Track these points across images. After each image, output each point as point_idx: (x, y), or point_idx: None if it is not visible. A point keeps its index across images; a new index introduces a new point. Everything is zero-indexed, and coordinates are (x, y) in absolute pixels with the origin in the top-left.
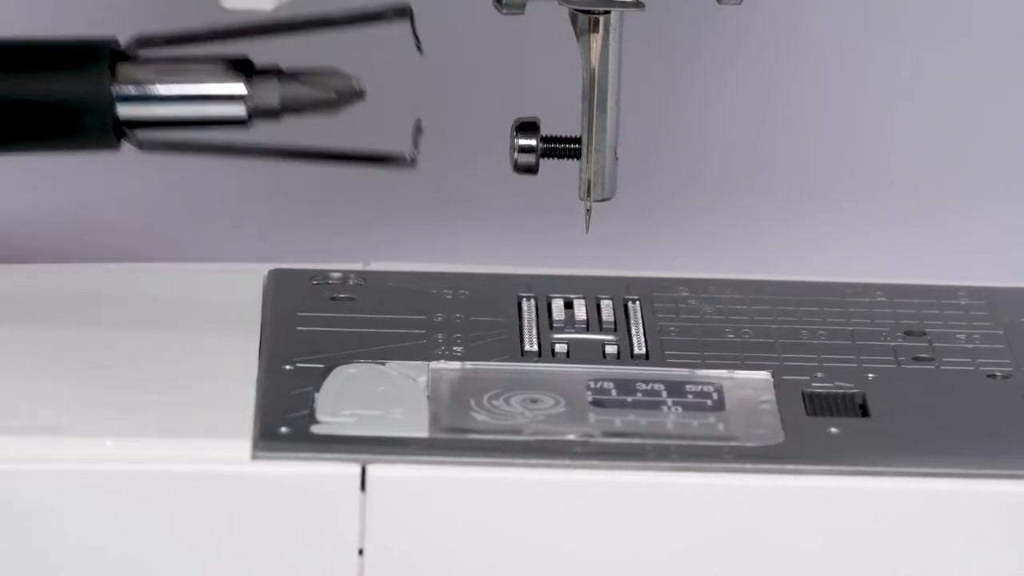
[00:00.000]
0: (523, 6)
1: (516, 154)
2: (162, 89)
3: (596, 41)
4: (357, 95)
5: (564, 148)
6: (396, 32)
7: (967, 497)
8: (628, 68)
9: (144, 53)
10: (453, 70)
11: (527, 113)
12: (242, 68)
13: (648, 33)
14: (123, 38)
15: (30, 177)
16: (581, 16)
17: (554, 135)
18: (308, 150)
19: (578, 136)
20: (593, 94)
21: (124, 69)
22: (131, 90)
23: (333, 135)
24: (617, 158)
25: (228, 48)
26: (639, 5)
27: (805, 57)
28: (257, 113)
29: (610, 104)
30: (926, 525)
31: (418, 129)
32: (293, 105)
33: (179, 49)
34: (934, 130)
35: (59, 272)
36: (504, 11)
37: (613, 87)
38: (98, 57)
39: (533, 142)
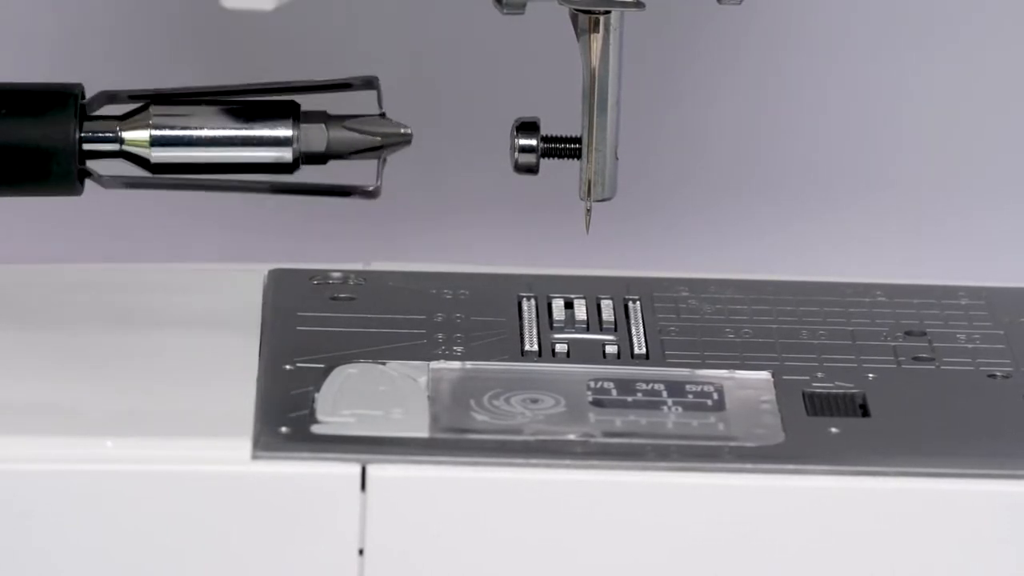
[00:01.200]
0: (523, 6)
1: (516, 154)
2: (209, 132)
3: (596, 41)
4: (404, 140)
5: (564, 148)
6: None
7: (967, 497)
8: (628, 68)
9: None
10: (453, 70)
11: (527, 113)
12: (289, 112)
13: (648, 33)
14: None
15: None
16: (581, 16)
17: (554, 135)
18: (272, 184)
19: (578, 136)
20: (593, 94)
21: (160, 112)
22: (171, 134)
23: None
24: (617, 158)
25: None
26: (639, 5)
27: (805, 57)
28: (304, 158)
29: (610, 104)
30: (926, 525)
31: (383, 161)
32: (339, 150)
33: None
34: (934, 130)
35: (59, 272)
36: (504, 11)
37: (613, 87)
38: (64, 104)
39: (533, 142)
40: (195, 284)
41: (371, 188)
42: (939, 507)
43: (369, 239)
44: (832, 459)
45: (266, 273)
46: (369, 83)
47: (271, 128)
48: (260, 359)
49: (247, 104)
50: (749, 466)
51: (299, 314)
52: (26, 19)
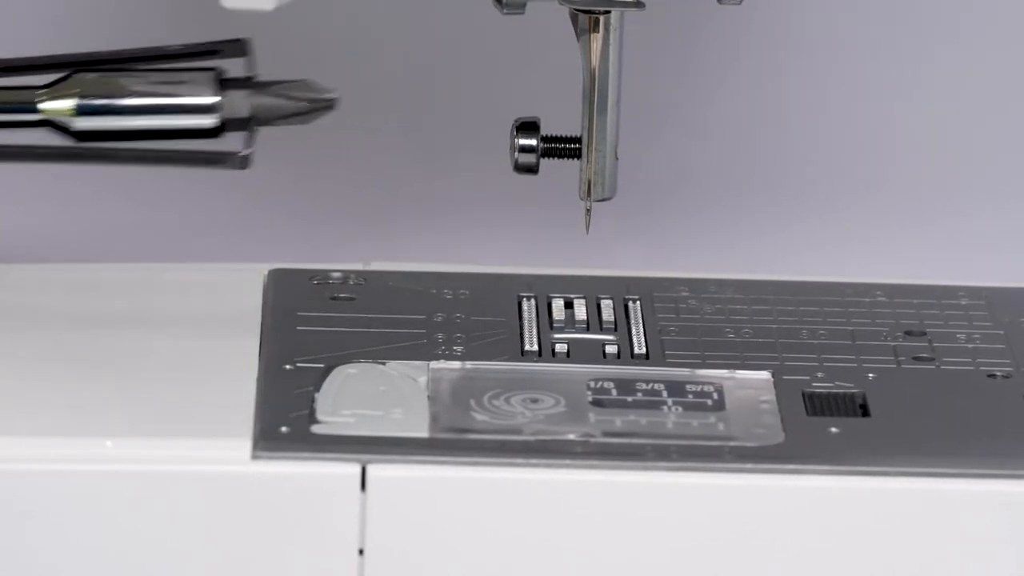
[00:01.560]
0: (523, 6)
1: (516, 154)
2: (134, 101)
3: (596, 41)
4: (329, 105)
5: (564, 148)
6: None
7: (967, 497)
8: (628, 68)
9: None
10: (454, 70)
11: (527, 113)
12: (214, 79)
13: (648, 33)
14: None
15: (30, 177)
16: (581, 16)
17: (554, 135)
18: (138, 153)
19: (578, 136)
20: (593, 94)
21: (85, 80)
22: (96, 103)
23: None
24: (617, 158)
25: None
26: (639, 5)
27: (805, 57)
28: (228, 124)
29: (610, 104)
30: (926, 525)
31: (253, 129)
32: (264, 116)
33: (16, 77)
34: (934, 130)
35: (59, 272)
36: (504, 11)
37: (613, 87)
38: None
39: (533, 142)
40: (195, 284)
41: (243, 154)
42: (939, 507)
43: (369, 239)
44: (832, 459)
45: (266, 273)
46: (239, 49)
47: (195, 95)
48: (260, 359)
49: (171, 71)
50: (749, 466)
51: (299, 314)
52: (25, 19)
